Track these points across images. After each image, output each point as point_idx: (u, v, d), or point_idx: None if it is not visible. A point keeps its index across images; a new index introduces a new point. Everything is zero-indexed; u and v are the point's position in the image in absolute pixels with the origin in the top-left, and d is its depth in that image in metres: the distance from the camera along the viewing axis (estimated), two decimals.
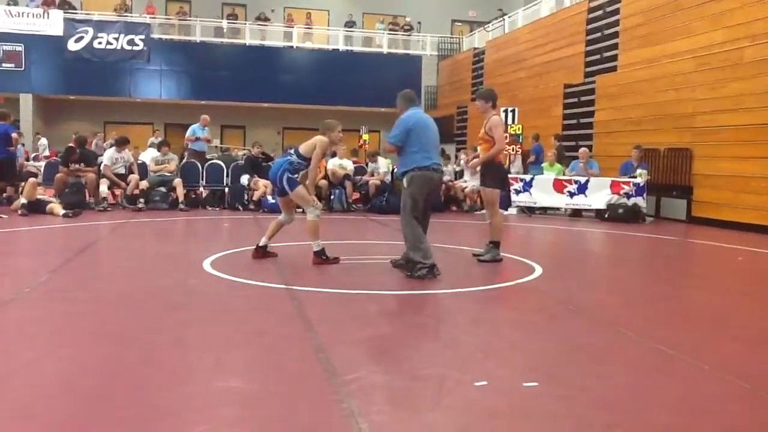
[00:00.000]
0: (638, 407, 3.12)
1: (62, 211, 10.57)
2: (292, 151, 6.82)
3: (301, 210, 7.06)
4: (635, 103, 14.12)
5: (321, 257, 6.67)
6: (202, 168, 13.59)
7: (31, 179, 11.29)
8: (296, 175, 6.66)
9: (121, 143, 12.67)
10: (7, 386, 3.21)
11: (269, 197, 12.10)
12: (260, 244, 6.95)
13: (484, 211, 7.63)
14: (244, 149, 18.36)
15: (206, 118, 15.14)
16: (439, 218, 12.46)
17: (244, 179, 13.02)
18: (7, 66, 22.57)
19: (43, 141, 20.39)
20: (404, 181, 6.27)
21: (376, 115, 25.50)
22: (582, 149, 13.97)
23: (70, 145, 12.23)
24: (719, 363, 3.81)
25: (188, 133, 14.98)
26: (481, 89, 7.95)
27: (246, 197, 13.00)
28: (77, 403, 3.03)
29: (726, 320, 5.05)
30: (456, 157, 16.35)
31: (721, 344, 4.34)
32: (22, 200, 10.72)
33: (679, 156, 12.72)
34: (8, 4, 23.67)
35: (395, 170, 14.11)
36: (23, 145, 17.91)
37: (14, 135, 12.26)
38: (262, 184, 12.49)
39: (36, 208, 10.70)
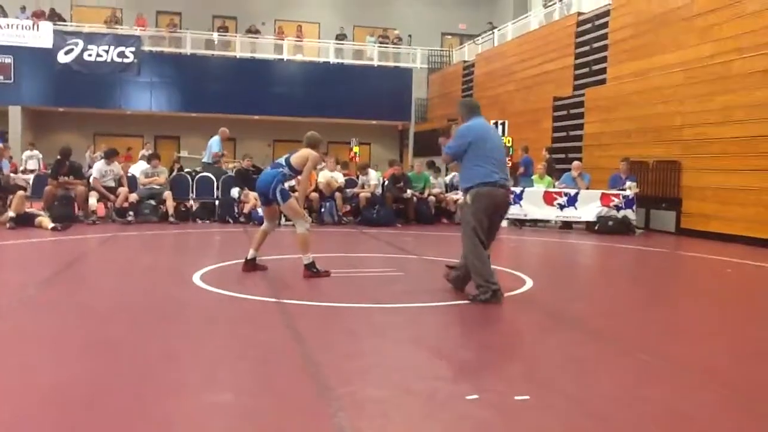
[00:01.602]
0: (629, 418, 3.13)
1: (51, 224, 10.49)
2: (282, 162, 6.82)
3: (291, 223, 7.05)
4: (624, 116, 14.22)
5: (311, 270, 6.65)
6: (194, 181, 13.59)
7: (20, 192, 11.20)
8: (287, 188, 6.68)
9: (110, 156, 12.60)
10: None
11: (259, 210, 12.07)
12: (249, 257, 6.93)
13: None
14: (235, 162, 18.34)
15: (226, 131, 15.07)
16: (431, 230, 12.49)
17: (235, 192, 12.98)
18: None
19: (34, 152, 20.21)
20: (467, 197, 5.78)
21: (366, 128, 25.58)
22: (575, 162, 14.03)
23: (59, 157, 12.16)
24: (710, 373, 3.82)
25: (216, 148, 14.81)
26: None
27: (236, 210, 12.97)
28: (65, 417, 3.00)
29: (716, 331, 5.08)
30: (447, 169, 16.40)
31: (712, 355, 4.35)
32: (11, 213, 10.64)
33: (668, 168, 12.79)
34: None
35: (386, 182, 14.14)
36: (11, 158, 17.80)
37: (0, 146, 12.17)
38: (253, 197, 12.45)
39: (24, 221, 10.62)
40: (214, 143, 14.88)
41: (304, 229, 6.66)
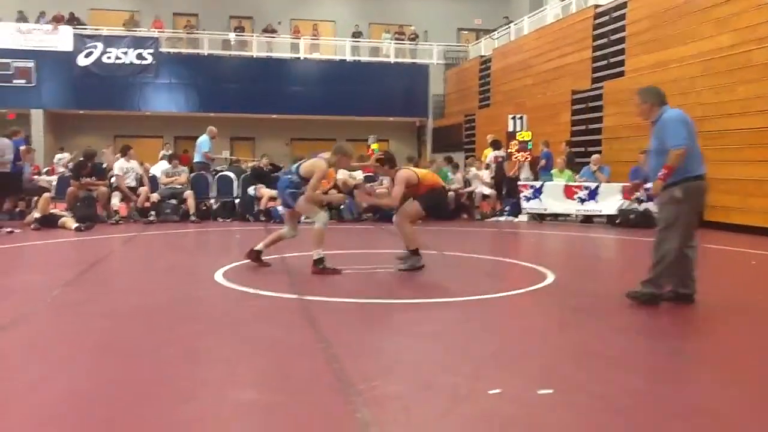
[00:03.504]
0: (654, 413, 3.11)
1: (74, 225, 10.63)
2: (293, 169, 6.90)
3: (311, 221, 7.09)
4: None
5: (318, 266, 6.67)
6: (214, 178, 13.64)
7: (45, 194, 11.36)
8: (297, 191, 6.74)
9: (125, 151, 12.70)
10: (21, 401, 3.23)
11: (279, 208, 12.15)
12: (256, 248, 7.07)
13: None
14: (254, 161, 18.43)
15: (213, 130, 14.83)
16: (450, 226, 12.47)
17: (251, 190, 13.09)
18: (18, 82, 22.73)
19: (64, 155, 20.46)
20: (677, 192, 5.25)
21: (384, 124, 25.56)
22: (595, 155, 13.93)
23: (81, 159, 12.29)
24: (735, 368, 3.79)
25: (206, 147, 14.47)
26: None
27: (256, 208, 13.05)
28: (90, 418, 3.05)
29: (743, 325, 5.01)
30: (465, 165, 16.40)
31: (738, 349, 4.31)
32: (36, 214, 10.80)
33: None
34: (18, 21, 23.91)
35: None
36: (33, 160, 17.99)
37: (22, 148, 12.28)
38: (267, 193, 12.57)
39: (48, 222, 10.77)
40: (204, 143, 14.63)
41: (321, 224, 6.70)
